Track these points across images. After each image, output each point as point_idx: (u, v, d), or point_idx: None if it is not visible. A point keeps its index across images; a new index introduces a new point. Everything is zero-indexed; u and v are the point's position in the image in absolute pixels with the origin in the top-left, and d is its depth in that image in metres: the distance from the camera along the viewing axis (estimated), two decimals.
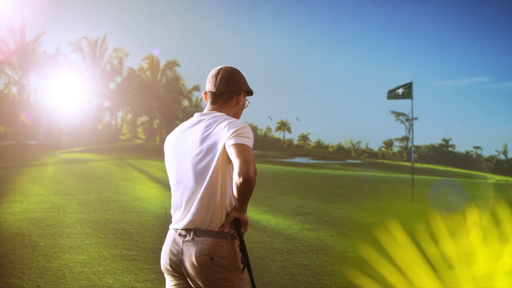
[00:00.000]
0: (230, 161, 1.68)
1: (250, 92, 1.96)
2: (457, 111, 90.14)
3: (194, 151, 1.75)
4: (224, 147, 1.68)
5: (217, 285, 1.68)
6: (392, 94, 10.80)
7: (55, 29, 79.88)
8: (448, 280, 1.29)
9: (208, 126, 1.76)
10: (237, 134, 1.66)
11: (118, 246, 4.88)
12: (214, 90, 1.87)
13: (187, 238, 1.73)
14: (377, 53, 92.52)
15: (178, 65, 50.51)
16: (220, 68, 1.90)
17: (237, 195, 1.65)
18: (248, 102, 1.98)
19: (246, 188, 1.61)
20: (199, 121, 1.81)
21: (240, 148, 1.63)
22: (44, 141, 36.93)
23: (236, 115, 1.90)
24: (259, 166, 22.31)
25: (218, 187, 1.70)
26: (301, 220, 6.93)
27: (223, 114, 1.82)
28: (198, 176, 1.73)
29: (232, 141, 1.65)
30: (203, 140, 1.73)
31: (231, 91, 1.87)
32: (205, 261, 1.68)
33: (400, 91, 10.74)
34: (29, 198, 7.90)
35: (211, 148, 1.71)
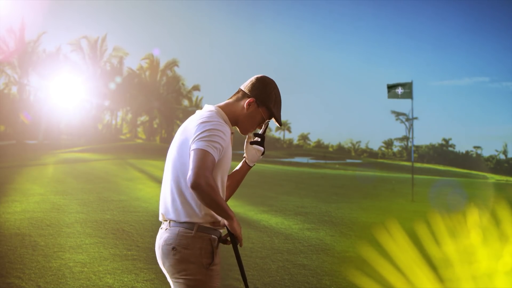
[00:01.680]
0: None
1: (271, 111, 1.82)
2: (457, 111, 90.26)
3: (175, 144, 1.77)
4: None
5: (176, 277, 1.67)
6: (392, 93, 10.81)
7: (55, 29, 79.86)
8: (448, 280, 1.29)
9: (190, 121, 1.76)
10: (199, 137, 1.62)
11: (118, 246, 4.88)
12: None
13: (162, 230, 1.76)
14: (377, 53, 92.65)
15: (178, 65, 50.53)
16: (264, 76, 1.88)
17: (205, 204, 1.63)
18: (267, 122, 1.87)
19: (198, 196, 1.56)
20: (193, 116, 1.82)
21: (196, 153, 1.58)
22: (44, 141, 36.89)
23: (237, 121, 1.83)
24: (259, 166, 22.31)
25: (184, 179, 1.69)
26: (301, 220, 6.93)
27: (213, 111, 1.78)
28: (172, 169, 1.74)
29: (193, 146, 1.62)
30: (181, 134, 1.75)
31: (247, 91, 1.83)
32: (168, 250, 1.68)
33: (400, 90, 10.74)
34: (29, 198, 7.90)
35: (183, 143, 1.71)
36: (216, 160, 1.63)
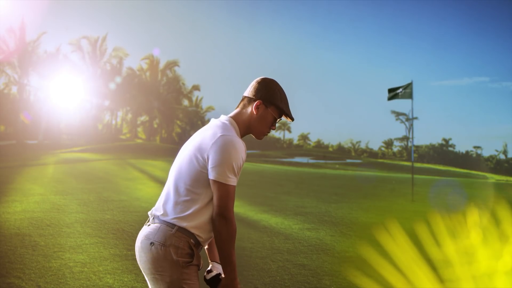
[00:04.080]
0: (206, 173, 1.71)
1: (280, 109, 1.83)
2: (457, 111, 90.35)
3: (186, 152, 1.79)
4: (204, 162, 1.70)
5: (151, 272, 1.69)
6: (393, 95, 10.80)
7: (55, 29, 79.93)
8: (448, 280, 1.29)
9: (206, 133, 1.77)
10: (219, 167, 1.67)
11: (118, 246, 4.88)
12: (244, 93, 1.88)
13: (145, 226, 1.79)
14: (377, 53, 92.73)
15: (178, 65, 50.53)
16: (264, 78, 1.88)
17: (215, 240, 1.70)
18: (279, 120, 1.86)
19: (215, 229, 1.67)
20: (208, 125, 1.84)
21: (219, 188, 1.67)
22: (44, 141, 36.89)
23: (249, 127, 1.83)
24: (259, 166, 22.29)
25: (184, 185, 1.72)
26: (301, 220, 6.93)
27: (226, 122, 1.79)
28: (176, 174, 1.77)
29: (213, 175, 1.68)
30: (194, 145, 1.76)
31: (251, 96, 1.83)
32: (146, 245, 1.70)
33: (400, 91, 10.73)
34: (29, 198, 7.90)
35: (195, 155, 1.73)
36: (236, 181, 1.73)
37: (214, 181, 1.66)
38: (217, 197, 1.66)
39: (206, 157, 1.69)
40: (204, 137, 1.74)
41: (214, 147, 1.68)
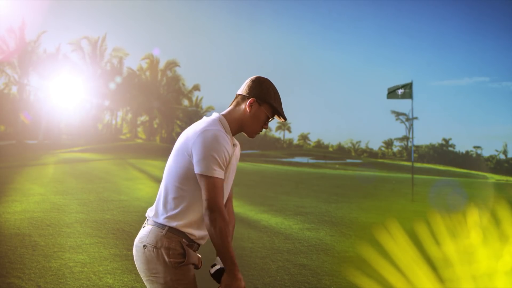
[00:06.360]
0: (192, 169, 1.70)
1: (273, 108, 1.81)
2: (457, 111, 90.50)
3: (175, 149, 1.80)
4: (189, 158, 1.69)
5: (146, 275, 1.70)
6: (392, 94, 10.78)
7: (55, 29, 79.99)
8: (448, 280, 1.29)
9: (192, 129, 1.77)
10: (203, 160, 1.65)
11: (118, 246, 4.88)
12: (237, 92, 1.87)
13: (142, 227, 1.81)
14: (377, 53, 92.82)
15: (178, 65, 50.55)
16: (258, 76, 1.85)
17: (209, 236, 1.68)
18: (271, 119, 1.84)
19: (208, 224, 1.63)
20: (197, 122, 1.84)
21: (205, 181, 1.65)
22: (44, 141, 36.88)
23: (242, 126, 1.82)
24: (259, 166, 22.29)
25: (173, 182, 1.73)
26: (301, 220, 6.93)
27: (213, 118, 1.78)
28: (167, 173, 1.78)
29: (198, 169, 1.66)
30: (182, 142, 1.77)
31: (245, 94, 1.81)
32: (140, 248, 1.72)
33: (400, 91, 10.72)
34: (29, 198, 7.90)
35: (181, 151, 1.74)
36: (224, 175, 1.70)
37: (200, 175, 1.65)
38: (205, 191, 1.64)
39: (190, 153, 1.69)
40: (189, 134, 1.75)
41: (197, 142, 1.67)
